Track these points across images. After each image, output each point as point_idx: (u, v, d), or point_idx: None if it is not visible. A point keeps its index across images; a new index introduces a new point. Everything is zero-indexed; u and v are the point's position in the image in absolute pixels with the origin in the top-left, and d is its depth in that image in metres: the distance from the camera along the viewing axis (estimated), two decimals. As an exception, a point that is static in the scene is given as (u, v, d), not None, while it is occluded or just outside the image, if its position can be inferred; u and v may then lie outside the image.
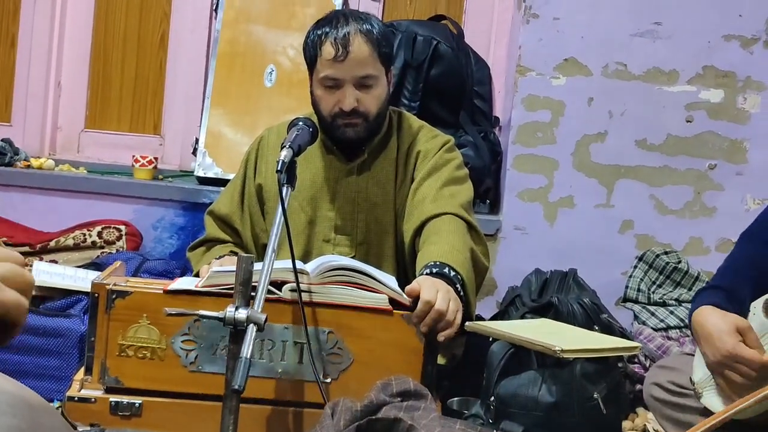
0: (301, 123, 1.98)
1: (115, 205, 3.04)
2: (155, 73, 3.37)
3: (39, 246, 2.90)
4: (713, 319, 2.01)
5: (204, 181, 3.04)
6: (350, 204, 2.19)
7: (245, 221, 2.25)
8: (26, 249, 2.88)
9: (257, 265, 1.66)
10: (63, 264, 2.76)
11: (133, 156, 3.12)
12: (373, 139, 2.18)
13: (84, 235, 2.93)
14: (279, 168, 1.78)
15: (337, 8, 3.06)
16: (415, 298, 1.79)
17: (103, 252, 2.90)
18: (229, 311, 1.57)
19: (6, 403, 0.91)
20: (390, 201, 2.19)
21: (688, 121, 2.93)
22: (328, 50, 2.07)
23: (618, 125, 2.93)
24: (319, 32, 2.10)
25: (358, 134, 2.13)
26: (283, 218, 1.74)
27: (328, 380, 1.77)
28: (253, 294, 1.62)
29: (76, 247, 2.92)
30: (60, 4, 3.32)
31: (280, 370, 1.79)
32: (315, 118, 2.11)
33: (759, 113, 2.91)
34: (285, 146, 1.84)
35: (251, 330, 1.56)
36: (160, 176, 3.15)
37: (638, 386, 2.39)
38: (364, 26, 2.09)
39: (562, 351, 1.75)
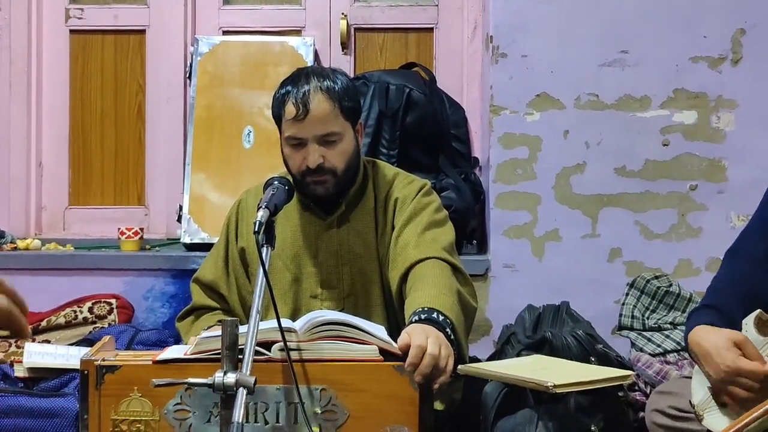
0: (276, 182, 1.99)
1: (104, 279, 3.03)
2: (135, 145, 3.39)
3: (31, 327, 2.89)
4: (709, 336, 2.01)
5: (191, 247, 3.04)
6: (333, 257, 2.19)
7: (231, 286, 2.25)
8: (10, 332, 2.86)
9: (243, 328, 1.66)
10: (56, 342, 2.74)
11: (119, 229, 3.13)
12: (348, 191, 2.19)
13: (75, 312, 2.92)
14: (256, 229, 1.79)
15: (308, 65, 3.10)
16: (407, 348, 1.78)
17: (95, 327, 2.88)
18: (218, 377, 1.56)
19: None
20: (373, 250, 2.18)
21: (664, 145, 2.94)
22: (289, 110, 2.08)
23: (596, 155, 2.95)
24: (282, 91, 2.13)
25: (328, 190, 2.13)
26: (265, 279, 1.74)
27: (325, 438, 1.76)
28: (240, 357, 1.62)
29: (68, 325, 2.91)
30: (35, 86, 3.35)
31: (275, 434, 1.77)
32: (290, 176, 2.13)
33: (734, 131, 2.93)
34: (261, 207, 1.85)
35: (241, 393, 1.55)
36: (147, 246, 3.16)
37: (641, 414, 2.37)
38: (325, 83, 2.10)
39: (555, 386, 1.74)
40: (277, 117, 2.14)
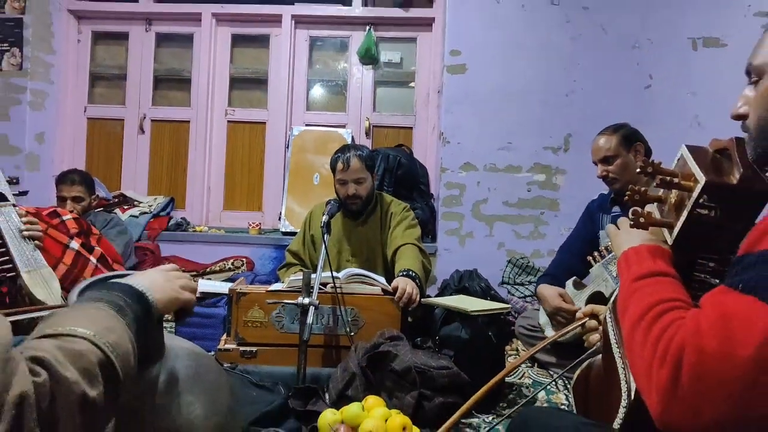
0: (332, 201, 1.99)
1: (240, 248, 3.02)
2: (258, 179, 3.38)
3: (201, 271, 2.88)
4: (548, 290, 2.02)
5: (285, 233, 3.03)
6: (358, 242, 2.18)
7: (306, 254, 2.24)
8: (194, 273, 2.86)
9: (313, 275, 1.66)
10: (214, 280, 2.74)
11: (248, 222, 3.12)
12: (368, 208, 2.18)
13: (224, 264, 2.92)
14: (322, 225, 1.79)
15: (347, 143, 3.10)
16: (396, 289, 1.78)
17: (234, 272, 2.88)
18: (300, 299, 1.57)
19: (184, 352, 0.91)
20: (378, 239, 2.18)
21: (528, 191, 2.94)
22: (339, 166, 2.06)
23: (493, 195, 2.94)
24: (336, 156, 2.11)
25: (357, 207, 2.12)
26: (325, 251, 1.75)
27: (352, 333, 1.76)
28: (311, 290, 1.62)
29: (221, 271, 2.90)
30: (208, 148, 3.34)
31: (327, 329, 1.77)
32: (339, 200, 2.12)
33: (564, 185, 2.92)
34: (324, 214, 1.85)
35: (312, 309, 1.55)
36: (263, 232, 3.15)
37: (512, 327, 2.38)
38: (358, 152, 2.09)
39: (471, 311, 1.75)
40: (333, 168, 2.12)
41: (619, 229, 0.90)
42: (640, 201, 0.83)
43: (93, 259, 1.83)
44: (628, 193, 0.83)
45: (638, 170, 0.81)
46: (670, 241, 0.81)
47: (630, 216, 0.82)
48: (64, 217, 1.93)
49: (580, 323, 1.08)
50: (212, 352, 2.11)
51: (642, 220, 0.80)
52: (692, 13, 2.83)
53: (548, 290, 2.01)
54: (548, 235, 2.93)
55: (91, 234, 1.99)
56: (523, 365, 2.16)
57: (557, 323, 1.96)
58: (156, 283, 0.79)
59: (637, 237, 0.83)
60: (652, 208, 0.86)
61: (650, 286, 0.72)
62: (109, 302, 0.68)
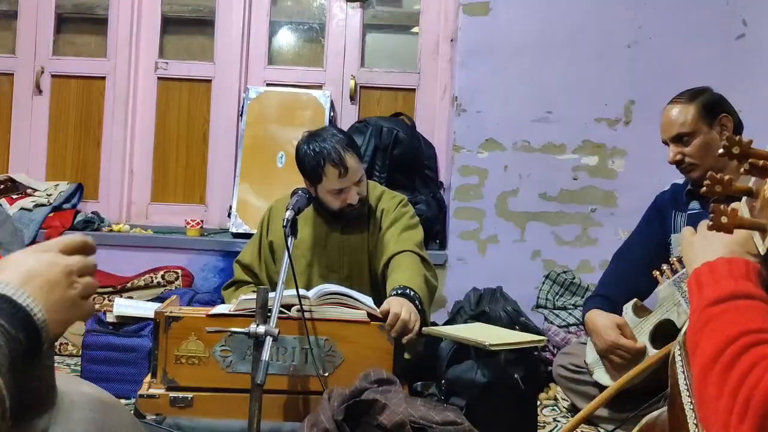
0: (300, 192, 1.98)
1: (173, 255, 3.01)
2: (200, 161, 3.37)
3: (119, 287, 2.87)
4: (599, 318, 2.02)
5: (236, 235, 3.02)
6: (337, 250, 2.17)
7: (262, 268, 2.23)
8: (110, 289, 2.85)
9: (271, 294, 1.65)
10: (136, 299, 2.73)
11: (186, 220, 3.11)
12: None
13: (151, 277, 2.91)
14: (284, 224, 1.78)
15: (326, 112, 3.10)
16: (386, 314, 1.78)
17: (165, 289, 2.87)
18: (252, 327, 1.57)
19: (85, 401, 0.89)
20: (364, 245, 2.17)
21: (574, 179, 2.95)
22: (331, 172, 2.01)
23: (526, 184, 2.95)
24: (316, 158, 2.02)
25: (359, 212, 2.13)
26: (288, 260, 1.74)
27: (326, 374, 1.76)
28: (269, 314, 1.61)
29: (146, 287, 2.89)
30: (131, 115, 3.33)
31: (291, 369, 1.77)
32: (311, 190, 2.10)
33: (623, 172, 2.94)
34: (288, 208, 1.84)
35: (268, 340, 1.55)
36: (206, 233, 3.14)
37: (549, 368, 2.38)
38: (342, 140, 2.05)
39: (491, 345, 1.74)
40: (315, 174, 2.03)
41: (696, 234, 0.90)
42: (723, 194, 0.83)
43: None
44: (706, 182, 0.83)
45: (720, 151, 0.81)
46: (761, 250, 0.81)
47: (709, 214, 0.82)
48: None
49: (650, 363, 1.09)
50: (130, 400, 2.10)
51: (724, 219, 0.80)
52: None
53: (600, 318, 2.01)
54: (601, 241, 2.92)
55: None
56: (562, 420, 2.17)
57: (613, 364, 1.96)
58: (42, 285, 0.70)
59: (717, 245, 0.83)
60: (739, 205, 0.86)
61: (729, 313, 0.72)
62: None
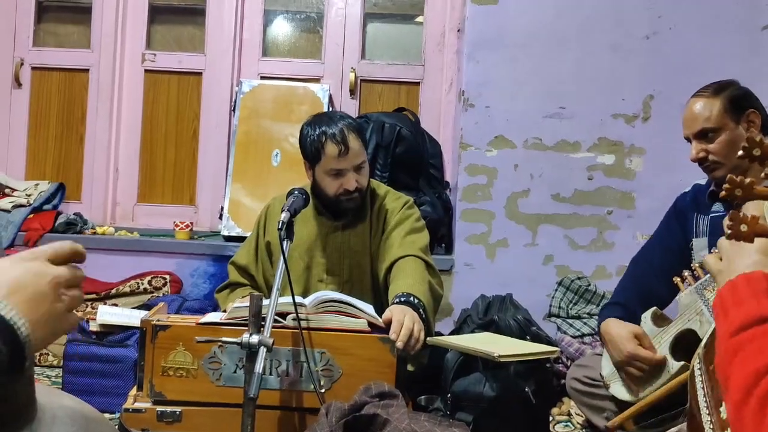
0: (296, 192, 1.99)
1: (161, 259, 3.02)
2: (189, 159, 3.38)
3: (103, 293, 2.89)
4: (616, 328, 2.01)
5: (228, 239, 3.03)
6: (337, 252, 2.18)
7: (259, 270, 2.23)
8: (93, 296, 2.86)
9: (265, 301, 1.66)
10: (122, 306, 2.74)
11: (174, 222, 3.12)
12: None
13: (138, 283, 2.92)
14: (280, 226, 1.79)
15: (324, 106, 3.11)
16: (388, 323, 1.78)
17: (152, 296, 2.88)
18: (245, 337, 1.57)
19: (66, 415, 0.90)
20: (367, 248, 2.17)
21: (589, 179, 2.95)
22: (331, 149, 2.03)
23: (537, 184, 2.95)
24: (318, 133, 2.05)
25: (357, 204, 2.12)
26: (284, 265, 1.74)
27: (323, 389, 1.75)
28: (263, 323, 1.61)
29: (132, 293, 2.91)
30: (116, 111, 3.34)
31: (286, 384, 1.76)
32: (308, 189, 2.11)
33: (642, 171, 2.94)
34: (284, 210, 1.85)
35: (262, 351, 1.55)
36: (195, 236, 3.15)
37: (562, 381, 2.38)
38: (348, 122, 2.08)
39: (499, 356, 1.75)
40: (315, 154, 2.06)
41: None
42: (743, 198, 0.83)
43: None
44: (725, 185, 0.83)
45: (740, 153, 0.81)
46: (785, 258, 0.80)
47: (726, 222, 0.82)
48: None
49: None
50: (115, 415, 2.11)
51: (744, 228, 0.80)
52: None
53: (617, 328, 2.00)
54: (618, 245, 2.93)
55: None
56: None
57: (630, 376, 1.96)
58: (28, 298, 0.70)
59: (741, 257, 0.83)
60: (761, 210, 0.86)
61: (758, 340, 0.72)
62: None
